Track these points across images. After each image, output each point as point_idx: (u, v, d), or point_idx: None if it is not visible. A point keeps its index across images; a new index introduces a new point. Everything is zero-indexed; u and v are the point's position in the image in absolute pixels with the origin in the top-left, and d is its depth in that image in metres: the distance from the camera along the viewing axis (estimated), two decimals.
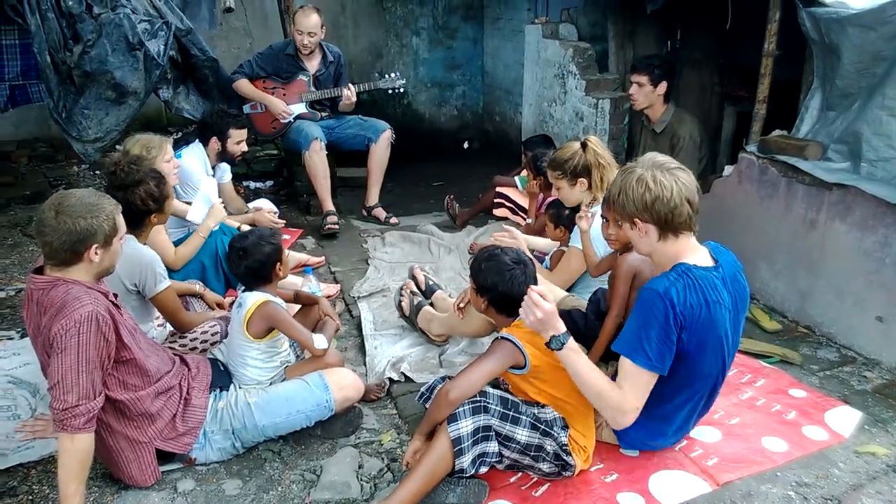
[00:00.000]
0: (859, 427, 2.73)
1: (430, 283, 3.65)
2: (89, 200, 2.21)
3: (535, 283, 2.42)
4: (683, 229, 2.19)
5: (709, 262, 2.25)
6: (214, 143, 4.12)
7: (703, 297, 2.15)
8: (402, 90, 5.33)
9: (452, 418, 2.23)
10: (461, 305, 3.05)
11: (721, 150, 5.17)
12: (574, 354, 2.21)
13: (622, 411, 2.20)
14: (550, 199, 3.88)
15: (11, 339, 3.42)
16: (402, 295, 3.52)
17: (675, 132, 4.19)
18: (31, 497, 2.41)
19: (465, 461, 2.21)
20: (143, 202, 2.82)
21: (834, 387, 3.04)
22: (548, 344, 2.22)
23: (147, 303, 2.88)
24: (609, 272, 2.83)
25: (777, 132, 3.74)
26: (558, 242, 3.58)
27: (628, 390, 2.20)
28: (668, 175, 2.16)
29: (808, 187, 3.43)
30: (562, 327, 2.21)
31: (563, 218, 3.56)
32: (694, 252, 2.25)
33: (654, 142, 4.33)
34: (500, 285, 2.38)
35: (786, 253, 3.62)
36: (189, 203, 3.79)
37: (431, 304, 3.47)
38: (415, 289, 3.58)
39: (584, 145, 3.26)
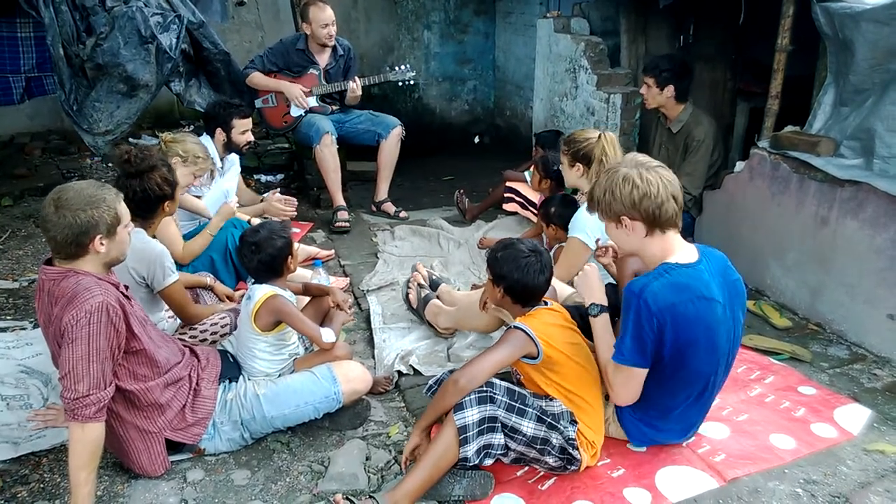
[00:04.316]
0: (868, 425, 2.72)
1: (434, 276, 3.69)
2: (88, 192, 2.18)
3: (551, 272, 2.51)
4: (670, 226, 2.24)
5: (693, 258, 2.26)
6: (220, 134, 4.12)
7: (688, 293, 2.17)
8: (412, 82, 5.31)
9: (459, 407, 2.24)
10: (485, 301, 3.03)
11: (733, 146, 5.14)
12: (601, 324, 2.44)
13: (611, 390, 2.39)
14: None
15: (24, 329, 3.45)
16: (409, 288, 3.55)
17: (691, 133, 4.16)
18: (42, 485, 2.44)
19: (470, 450, 2.21)
20: (160, 187, 2.84)
21: (844, 384, 3.02)
22: (587, 309, 2.47)
23: (156, 295, 2.90)
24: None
25: (789, 128, 3.71)
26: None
27: (617, 378, 2.34)
28: (652, 173, 2.21)
29: (820, 184, 3.41)
30: (604, 300, 2.48)
31: (551, 216, 3.64)
32: (679, 249, 2.27)
33: (669, 141, 4.30)
34: (515, 273, 2.42)
35: (797, 250, 3.59)
36: (200, 198, 3.82)
37: (438, 297, 3.48)
38: (422, 281, 3.59)
39: (599, 136, 3.31)
